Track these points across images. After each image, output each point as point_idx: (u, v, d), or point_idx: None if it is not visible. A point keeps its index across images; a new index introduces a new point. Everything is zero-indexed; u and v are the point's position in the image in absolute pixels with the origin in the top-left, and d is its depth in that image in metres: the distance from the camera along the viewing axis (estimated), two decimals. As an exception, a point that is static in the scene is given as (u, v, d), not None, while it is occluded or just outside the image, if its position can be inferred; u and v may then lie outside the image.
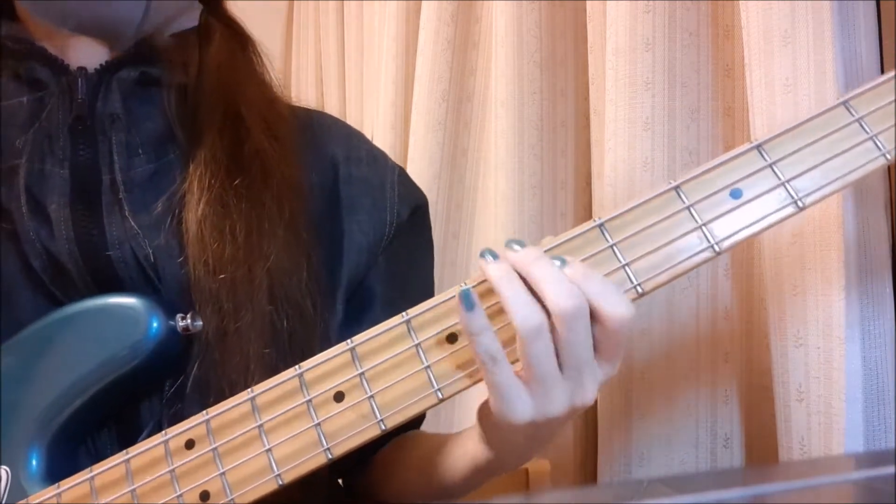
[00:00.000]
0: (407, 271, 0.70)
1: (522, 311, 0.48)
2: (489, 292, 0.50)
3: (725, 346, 0.75)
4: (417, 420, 0.73)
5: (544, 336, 0.48)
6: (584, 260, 0.50)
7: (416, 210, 0.71)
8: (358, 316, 0.65)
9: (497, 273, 0.49)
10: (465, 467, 0.58)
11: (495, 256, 0.49)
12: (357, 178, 0.69)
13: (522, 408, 0.49)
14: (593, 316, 0.49)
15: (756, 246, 0.72)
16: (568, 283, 0.48)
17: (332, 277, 0.66)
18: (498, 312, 0.50)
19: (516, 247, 0.50)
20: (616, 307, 0.48)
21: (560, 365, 0.49)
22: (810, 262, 0.63)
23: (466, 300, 0.48)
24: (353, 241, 0.67)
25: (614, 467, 0.80)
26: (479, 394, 0.51)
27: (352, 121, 1.39)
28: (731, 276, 0.75)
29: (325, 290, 0.64)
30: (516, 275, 0.49)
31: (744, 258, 0.75)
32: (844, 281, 0.61)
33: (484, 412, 0.53)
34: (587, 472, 0.88)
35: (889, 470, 0.36)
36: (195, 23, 0.67)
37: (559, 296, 0.47)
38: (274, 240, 0.59)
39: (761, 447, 0.74)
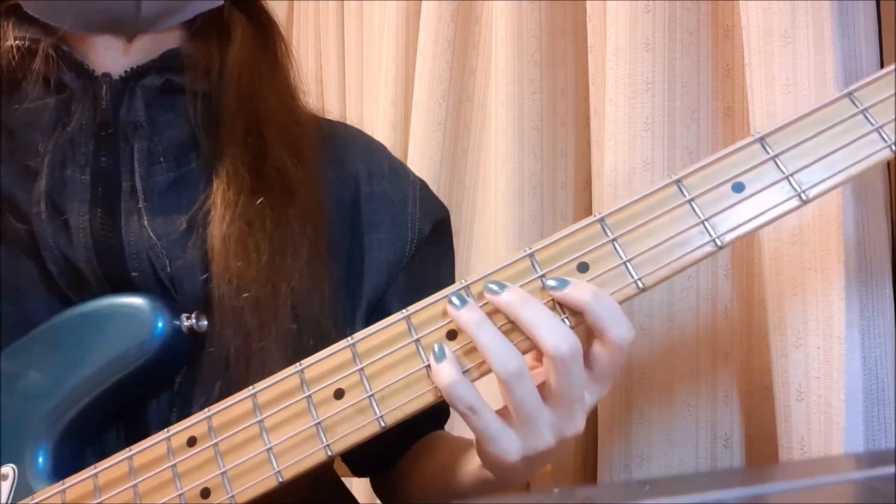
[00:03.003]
0: (428, 285, 0.70)
1: (500, 356, 0.47)
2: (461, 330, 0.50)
3: (725, 346, 0.75)
4: (440, 419, 0.73)
5: (525, 378, 0.48)
6: (585, 254, 0.50)
7: (437, 225, 0.71)
8: None
9: (468, 318, 0.48)
10: (474, 482, 0.58)
11: (462, 301, 0.49)
12: (378, 194, 0.68)
13: (511, 448, 0.49)
14: (598, 337, 0.48)
15: (756, 246, 0.72)
16: (563, 326, 0.48)
17: (352, 296, 0.66)
18: (473, 349, 0.49)
19: (495, 287, 0.49)
20: (620, 330, 0.48)
21: (549, 402, 0.49)
22: (810, 262, 0.63)
23: (438, 352, 0.48)
24: (373, 259, 0.67)
25: (614, 467, 0.80)
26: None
27: (351, 121, 1.39)
28: (731, 276, 0.75)
29: (344, 309, 0.64)
30: (487, 318, 0.48)
31: (744, 258, 0.75)
32: (844, 281, 0.61)
33: (479, 447, 0.53)
34: (587, 472, 0.88)
35: (889, 470, 0.36)
36: (220, 2, 0.66)
37: (555, 340, 0.47)
38: (297, 259, 0.59)
39: (761, 447, 0.74)
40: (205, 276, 0.59)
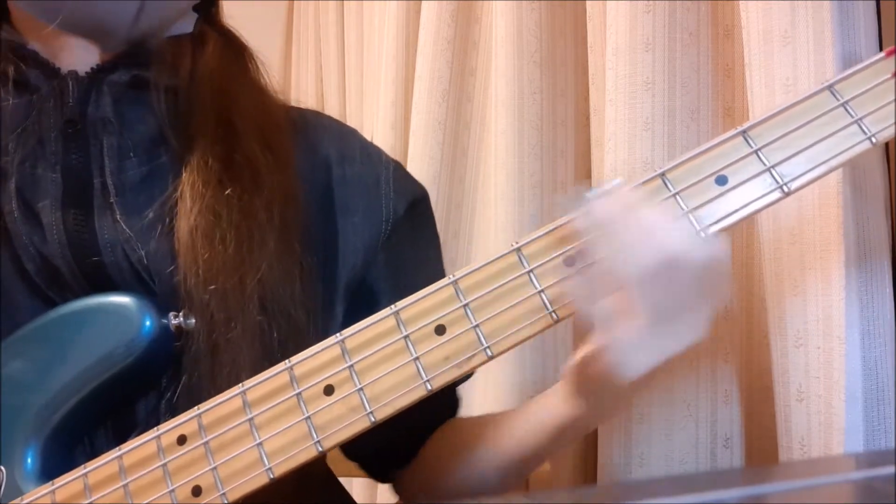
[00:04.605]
0: (409, 264, 0.70)
1: (637, 253, 0.47)
2: (563, 239, 0.50)
3: (725, 346, 0.75)
4: (454, 407, 0.73)
5: (661, 276, 0.47)
6: (570, 249, 0.50)
7: (413, 204, 0.70)
8: (364, 315, 0.65)
9: (607, 212, 0.48)
10: (542, 435, 0.58)
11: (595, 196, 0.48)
12: (350, 178, 0.68)
13: (638, 361, 0.48)
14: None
15: (756, 246, 0.71)
16: (681, 226, 0.48)
17: (329, 282, 0.65)
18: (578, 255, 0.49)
19: (618, 183, 0.49)
20: (697, 252, 0.47)
21: (669, 307, 0.48)
22: (810, 262, 0.63)
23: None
24: (347, 242, 0.66)
25: (614, 467, 0.80)
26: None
27: (352, 121, 1.39)
28: (732, 277, 0.75)
29: (320, 298, 0.64)
30: (626, 216, 0.48)
31: (744, 258, 0.75)
32: (844, 281, 0.61)
33: (584, 372, 0.52)
34: (587, 472, 0.88)
35: (889, 470, 0.36)
36: (190, 29, 0.67)
37: (672, 240, 0.47)
38: (265, 250, 0.59)
39: (761, 447, 0.73)
40: (171, 268, 0.59)
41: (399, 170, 0.72)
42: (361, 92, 1.42)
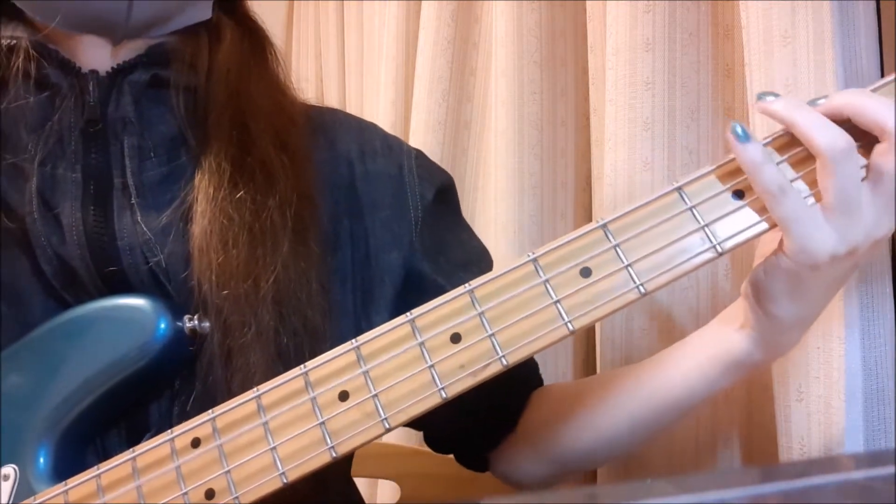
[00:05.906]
0: (450, 247, 0.69)
1: (829, 132, 0.46)
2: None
3: (725, 346, 0.75)
4: (538, 377, 0.72)
5: (854, 158, 0.46)
6: (587, 259, 0.50)
7: (441, 190, 0.70)
8: (421, 301, 0.62)
9: (785, 105, 0.48)
10: (705, 375, 0.57)
11: (745, 135, 0.48)
12: (373, 172, 0.68)
13: (823, 237, 0.47)
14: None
15: (756, 246, 0.72)
16: (835, 126, 0.47)
17: (363, 280, 0.65)
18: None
19: (770, 98, 0.49)
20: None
21: (869, 191, 0.47)
22: (810, 262, 0.63)
23: (740, 134, 0.47)
24: (378, 239, 0.66)
25: (614, 467, 0.80)
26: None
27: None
28: (731, 277, 0.76)
29: (348, 299, 0.64)
30: (803, 102, 0.48)
31: (744, 259, 0.75)
32: (844, 281, 0.61)
33: (758, 283, 0.52)
34: (587, 472, 0.88)
35: (889, 470, 0.37)
36: (208, 15, 0.66)
37: (830, 139, 0.46)
38: (279, 252, 0.59)
39: (761, 447, 0.74)
40: (185, 272, 0.59)
41: (422, 157, 0.71)
42: (361, 92, 1.42)
